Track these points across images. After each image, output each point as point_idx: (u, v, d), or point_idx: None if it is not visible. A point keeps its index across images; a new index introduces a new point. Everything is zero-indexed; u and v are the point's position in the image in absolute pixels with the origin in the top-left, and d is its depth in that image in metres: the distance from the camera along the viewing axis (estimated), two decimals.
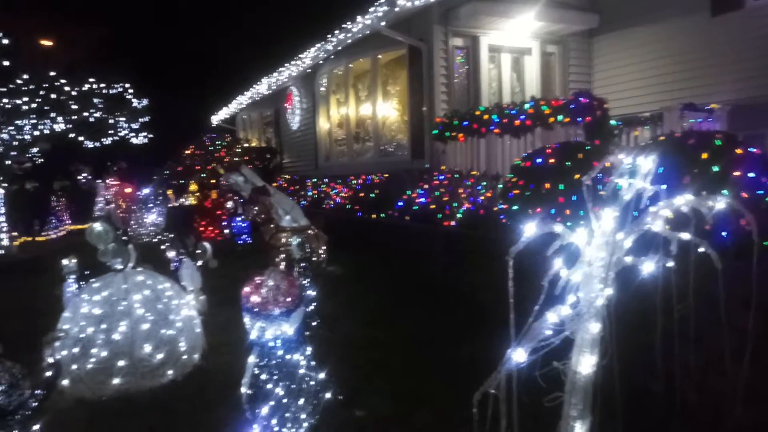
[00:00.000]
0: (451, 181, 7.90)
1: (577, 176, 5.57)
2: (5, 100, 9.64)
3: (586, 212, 2.23)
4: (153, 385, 3.99)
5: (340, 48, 12.09)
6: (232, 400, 3.48)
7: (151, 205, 14.74)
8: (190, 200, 18.75)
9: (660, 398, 2.83)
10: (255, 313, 2.98)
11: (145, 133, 12.32)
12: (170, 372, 4.12)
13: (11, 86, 9.77)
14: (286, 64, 14.90)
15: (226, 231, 11.05)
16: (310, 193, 12.77)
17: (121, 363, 3.92)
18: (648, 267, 2.15)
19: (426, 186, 8.09)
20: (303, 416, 3.05)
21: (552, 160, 5.94)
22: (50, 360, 2.88)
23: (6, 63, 9.52)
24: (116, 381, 3.90)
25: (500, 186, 7.14)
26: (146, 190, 14.98)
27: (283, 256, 7.31)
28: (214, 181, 16.76)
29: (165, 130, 13.56)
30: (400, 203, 8.32)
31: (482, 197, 7.17)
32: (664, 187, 2.15)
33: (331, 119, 14.09)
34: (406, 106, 11.21)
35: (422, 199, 7.85)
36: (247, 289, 3.01)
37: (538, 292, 2.41)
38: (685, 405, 3.02)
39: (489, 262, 5.79)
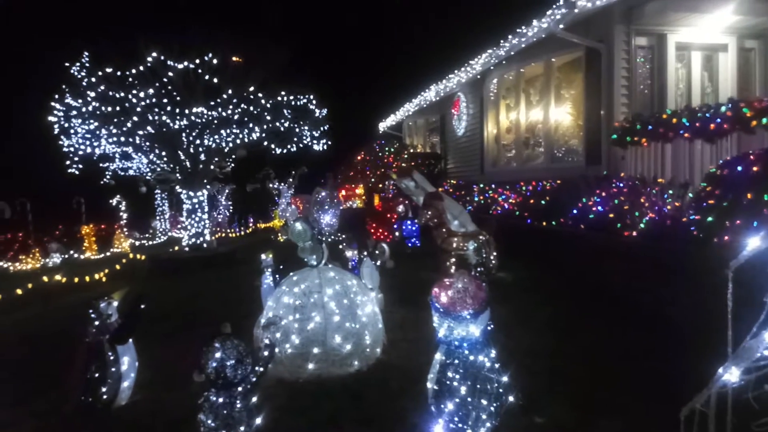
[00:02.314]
0: (632, 189, 7.46)
1: None
2: (213, 113, 10.98)
3: None
4: (342, 373, 4.31)
5: (512, 53, 12.00)
6: (413, 393, 3.67)
7: (327, 207, 15.83)
8: (357, 203, 19.84)
9: None
10: (443, 313, 3.11)
11: (324, 140, 13.21)
12: (356, 363, 4.42)
13: (218, 100, 11.10)
14: (455, 71, 15.13)
15: (396, 233, 11.48)
16: (476, 199, 12.81)
17: (315, 350, 4.31)
18: None
19: (603, 193, 7.72)
20: (484, 416, 3.12)
21: (755, 168, 5.40)
22: (267, 341, 3.28)
23: (215, 80, 10.87)
24: (311, 366, 4.29)
25: (691, 195, 6.63)
26: (322, 193, 16.12)
27: (453, 260, 7.48)
28: (381, 185, 17.56)
29: (339, 137, 14.44)
30: (574, 211, 8.03)
31: (669, 207, 6.69)
32: None
33: (500, 124, 14.02)
34: (581, 110, 10.82)
35: (599, 208, 7.51)
36: (436, 289, 3.16)
37: (744, 310, 2.26)
38: None
39: (679, 276, 5.43)
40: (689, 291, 5.11)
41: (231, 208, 19.67)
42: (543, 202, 9.36)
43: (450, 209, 8.02)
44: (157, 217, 19.38)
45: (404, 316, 5.89)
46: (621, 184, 7.77)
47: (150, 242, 17.12)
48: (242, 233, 18.40)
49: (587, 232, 7.52)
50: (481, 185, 13.32)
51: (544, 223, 8.79)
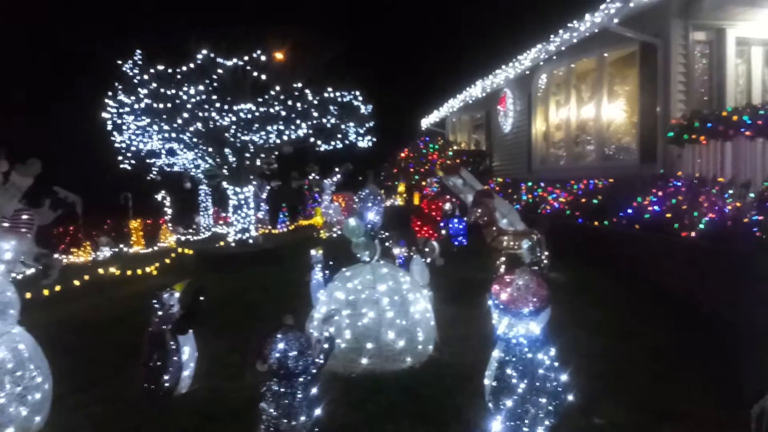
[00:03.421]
0: (690, 188, 7.21)
1: None
2: (261, 109, 11.11)
3: None
4: (395, 368, 4.32)
5: (562, 48, 11.75)
6: (468, 390, 3.64)
7: (370, 204, 15.82)
8: (399, 201, 19.76)
9: None
10: (503, 309, 3.08)
11: (369, 137, 13.21)
12: (409, 359, 4.42)
13: (266, 96, 11.22)
14: (502, 66, 14.92)
15: (443, 232, 11.35)
16: (524, 198, 12.57)
17: (369, 345, 4.32)
18: None
19: (660, 193, 7.49)
20: (542, 415, 3.07)
21: None
22: (326, 334, 3.31)
23: (263, 77, 10.99)
24: (364, 361, 4.30)
25: (752, 195, 6.38)
26: (366, 191, 16.12)
27: (503, 258, 7.39)
28: (424, 182, 17.45)
29: (382, 133, 14.39)
30: (629, 210, 7.81)
31: (729, 207, 6.44)
32: None
33: (549, 121, 13.75)
34: (635, 107, 10.53)
35: (655, 207, 7.29)
36: (496, 286, 3.12)
37: None
38: None
39: (741, 278, 5.22)
40: (752, 293, 4.92)
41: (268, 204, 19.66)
42: (595, 201, 9.14)
43: (499, 207, 7.93)
44: (201, 213, 19.66)
45: (455, 314, 5.86)
46: (678, 183, 7.52)
47: (194, 237, 17.39)
48: (285, 230, 18.50)
49: (642, 233, 7.30)
50: (530, 183, 13.08)
51: (596, 223, 8.58)
